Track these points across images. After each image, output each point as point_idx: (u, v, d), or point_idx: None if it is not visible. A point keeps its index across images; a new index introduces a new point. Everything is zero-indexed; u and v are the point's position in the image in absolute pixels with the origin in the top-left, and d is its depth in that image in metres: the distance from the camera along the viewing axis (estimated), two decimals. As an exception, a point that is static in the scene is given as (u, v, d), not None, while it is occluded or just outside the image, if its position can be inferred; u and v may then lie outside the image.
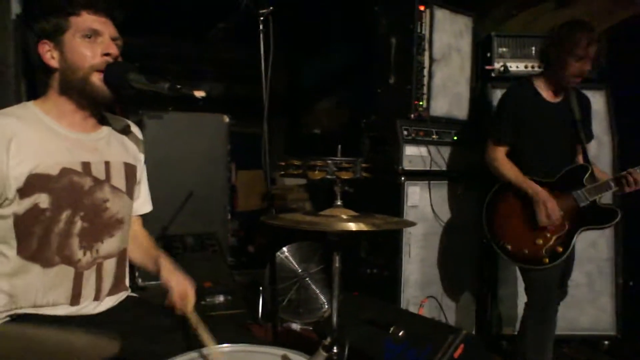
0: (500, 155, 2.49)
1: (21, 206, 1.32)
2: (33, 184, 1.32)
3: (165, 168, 3.82)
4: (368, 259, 2.99)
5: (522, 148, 2.49)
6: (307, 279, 3.40)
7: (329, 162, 1.42)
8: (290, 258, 3.43)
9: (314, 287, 3.41)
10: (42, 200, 1.33)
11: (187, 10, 4.38)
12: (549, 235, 2.37)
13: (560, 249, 2.35)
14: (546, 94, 2.48)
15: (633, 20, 3.26)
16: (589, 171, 2.39)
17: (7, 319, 1.35)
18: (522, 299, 3.08)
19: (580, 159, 2.51)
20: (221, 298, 3.81)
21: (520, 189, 2.41)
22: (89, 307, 1.44)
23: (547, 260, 2.36)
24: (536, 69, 3.14)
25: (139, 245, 1.66)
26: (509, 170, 2.46)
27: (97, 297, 1.45)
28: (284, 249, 3.39)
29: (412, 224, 1.55)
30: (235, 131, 4.55)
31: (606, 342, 3.05)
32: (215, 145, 4.33)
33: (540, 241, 2.38)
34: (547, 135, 2.45)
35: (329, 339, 1.18)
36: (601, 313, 2.99)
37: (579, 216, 2.36)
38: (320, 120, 6.42)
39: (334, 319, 1.50)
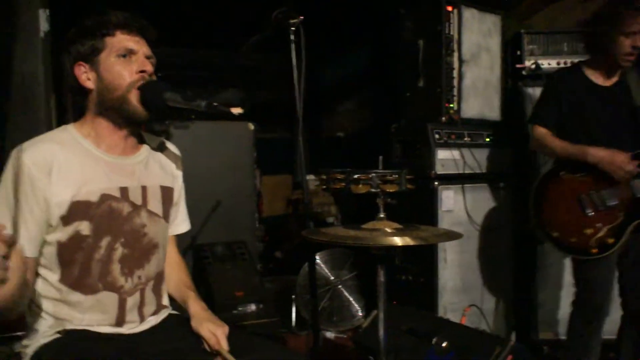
0: (546, 134, 2.36)
1: (64, 233, 1.32)
2: (75, 211, 1.32)
3: (192, 178, 3.75)
4: (403, 266, 2.94)
5: (570, 135, 2.33)
6: (340, 286, 3.37)
7: (373, 175, 1.38)
8: (322, 265, 3.40)
9: (346, 294, 3.37)
10: (83, 227, 1.33)
11: (216, 21, 4.38)
12: (599, 225, 2.22)
13: (612, 241, 2.20)
14: (596, 78, 2.33)
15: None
16: None
17: (57, 335, 1.35)
18: (562, 301, 3.03)
19: None
20: (253, 307, 3.80)
21: (576, 158, 2.25)
22: (133, 328, 1.44)
23: (595, 250, 2.21)
24: (568, 64, 3.06)
25: (170, 274, 1.63)
26: (556, 143, 2.32)
27: (141, 321, 1.46)
28: (316, 256, 3.36)
29: (458, 235, 1.51)
30: (258, 137, 4.54)
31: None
32: (242, 153, 4.32)
33: (590, 231, 2.23)
34: (598, 120, 2.29)
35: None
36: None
37: (634, 207, 2.20)
38: (342, 123, 6.39)
39: (382, 336, 1.46)
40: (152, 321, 1.49)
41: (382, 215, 1.50)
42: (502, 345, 1.86)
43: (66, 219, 1.31)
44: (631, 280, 2.30)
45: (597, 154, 2.20)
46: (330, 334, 3.20)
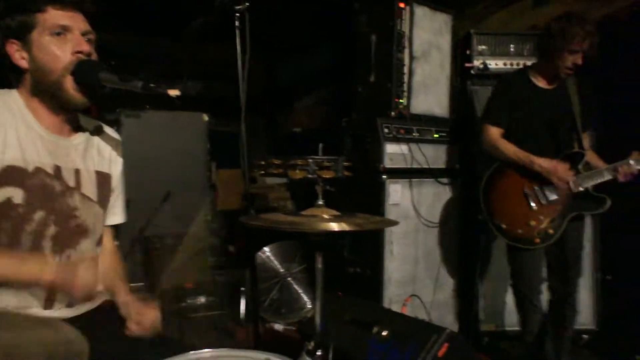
0: (497, 136, 2.53)
1: None
2: (7, 175, 1.27)
3: (143, 167, 3.74)
4: (351, 258, 2.97)
5: (515, 133, 2.52)
6: (289, 278, 3.38)
7: (310, 161, 1.38)
8: (272, 258, 3.40)
9: (296, 286, 3.38)
10: (16, 195, 1.28)
11: (164, 7, 4.30)
12: (541, 217, 2.44)
13: (552, 232, 2.42)
14: (539, 81, 2.52)
15: (606, 19, 3.30)
16: (584, 158, 2.43)
17: None
18: (503, 294, 3.13)
19: (576, 147, 2.54)
20: (202, 299, 3.77)
21: (523, 164, 2.44)
22: (63, 311, 1.39)
23: (538, 240, 2.42)
24: (514, 66, 3.17)
25: (105, 264, 1.58)
26: (509, 148, 2.48)
27: (70, 304, 1.40)
28: (265, 248, 3.35)
29: (394, 223, 1.53)
30: (215, 130, 4.49)
31: (585, 336, 3.08)
32: (195, 144, 4.27)
33: (533, 223, 2.44)
34: (539, 120, 2.49)
35: (312, 343, 1.15)
36: (580, 307, 3.01)
37: (571, 201, 2.43)
38: (300, 118, 6.39)
39: (318, 321, 1.47)
40: (83, 308, 1.44)
41: (320, 202, 1.51)
42: (438, 333, 1.90)
43: None
44: (558, 267, 2.52)
45: (542, 164, 2.40)
46: (279, 326, 3.20)
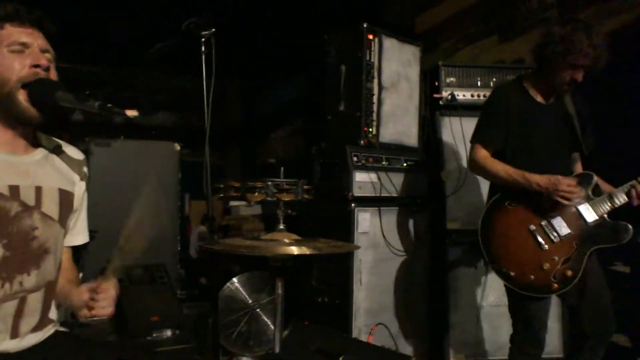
0: (486, 155, 2.22)
1: None
2: None
3: (112, 197, 3.67)
4: (319, 287, 2.93)
5: (511, 153, 2.22)
6: (258, 309, 3.29)
7: (269, 183, 1.37)
8: (241, 288, 3.31)
9: (265, 318, 3.30)
10: None
11: (131, 34, 4.33)
12: (556, 258, 2.08)
13: (570, 273, 2.06)
14: (535, 95, 2.24)
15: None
16: (593, 180, 2.12)
17: None
18: (473, 324, 3.11)
19: (578, 168, 2.32)
20: (169, 333, 3.65)
21: (515, 183, 2.11)
22: (8, 344, 1.31)
23: (556, 286, 2.07)
24: (482, 97, 3.24)
25: (63, 280, 1.51)
26: (499, 167, 2.16)
27: (14, 335, 1.32)
28: (234, 279, 3.28)
29: (355, 247, 1.52)
30: (189, 160, 4.46)
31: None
32: (166, 173, 4.23)
33: (548, 265, 2.08)
34: (538, 138, 2.21)
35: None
36: (548, 335, 2.99)
37: (587, 234, 2.09)
38: (276, 149, 6.43)
39: (277, 349, 1.43)
40: (33, 339, 1.37)
41: (281, 227, 1.49)
42: (404, 361, 1.88)
43: None
44: (589, 308, 2.16)
45: (542, 181, 2.06)
46: (245, 359, 3.11)
